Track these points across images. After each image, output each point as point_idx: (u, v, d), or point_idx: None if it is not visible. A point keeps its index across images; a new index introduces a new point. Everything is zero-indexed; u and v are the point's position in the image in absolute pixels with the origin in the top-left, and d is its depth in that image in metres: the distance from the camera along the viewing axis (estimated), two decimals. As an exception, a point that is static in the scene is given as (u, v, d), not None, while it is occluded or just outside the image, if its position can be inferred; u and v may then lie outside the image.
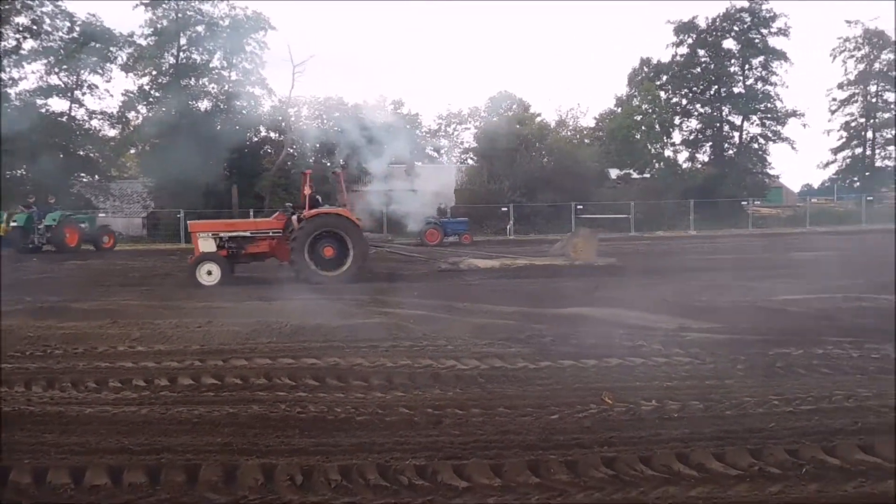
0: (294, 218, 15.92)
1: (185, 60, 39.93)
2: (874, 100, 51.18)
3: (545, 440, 5.16)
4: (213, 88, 40.78)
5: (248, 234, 16.00)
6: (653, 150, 47.47)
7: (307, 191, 16.08)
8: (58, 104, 38.89)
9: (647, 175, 46.77)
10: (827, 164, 53.88)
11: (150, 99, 39.61)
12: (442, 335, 9.03)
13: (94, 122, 39.77)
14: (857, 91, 51.71)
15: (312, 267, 15.26)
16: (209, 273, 15.04)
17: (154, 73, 39.53)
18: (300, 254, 15.15)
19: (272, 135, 42.77)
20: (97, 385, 6.96)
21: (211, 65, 40.60)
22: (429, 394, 6.56)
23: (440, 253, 21.08)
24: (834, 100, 52.45)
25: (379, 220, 34.79)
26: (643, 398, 6.14)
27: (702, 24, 47.28)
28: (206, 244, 15.54)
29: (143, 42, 39.22)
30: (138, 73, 39.49)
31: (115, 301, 12.41)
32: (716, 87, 47.76)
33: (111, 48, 38.61)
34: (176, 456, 4.95)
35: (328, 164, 40.49)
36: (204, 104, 40.33)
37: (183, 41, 39.53)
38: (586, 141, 48.24)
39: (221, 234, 15.74)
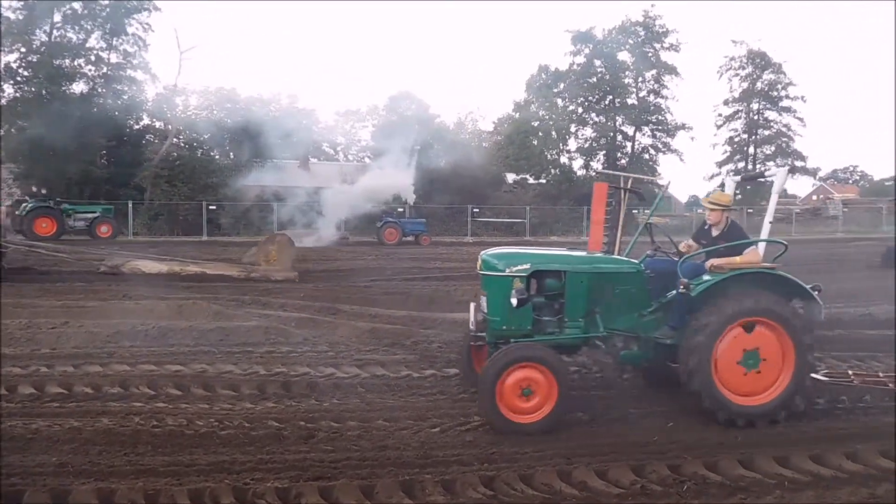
0: None
1: (58, 38, 36.92)
2: (756, 117, 54.43)
3: (423, 456, 4.82)
4: (89, 70, 37.97)
5: None
6: (549, 157, 48.42)
7: None
8: None
9: (543, 181, 47.59)
10: (712, 177, 56.79)
11: (18, 78, 36.38)
12: (324, 340, 8.55)
13: (-48, 100, 36.05)
14: (740, 108, 54.89)
15: None
16: None
17: (23, 50, 36.30)
18: None
19: (156, 123, 40.24)
20: (-85, 397, 6.06)
21: (88, 45, 37.72)
22: (304, 404, 6.09)
23: (94, 253, 17.48)
24: (720, 115, 55.55)
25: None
26: (528, 409, 5.91)
27: (599, 34, 48.74)
28: None
29: (12, 15, 35.95)
30: (5, 49, 36.11)
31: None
32: (610, 97, 49.25)
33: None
34: (-5, 482, 4.27)
35: (216, 156, 38.71)
36: (79, 86, 37.49)
37: (57, 17, 36.56)
38: (484, 144, 48.48)
39: None
